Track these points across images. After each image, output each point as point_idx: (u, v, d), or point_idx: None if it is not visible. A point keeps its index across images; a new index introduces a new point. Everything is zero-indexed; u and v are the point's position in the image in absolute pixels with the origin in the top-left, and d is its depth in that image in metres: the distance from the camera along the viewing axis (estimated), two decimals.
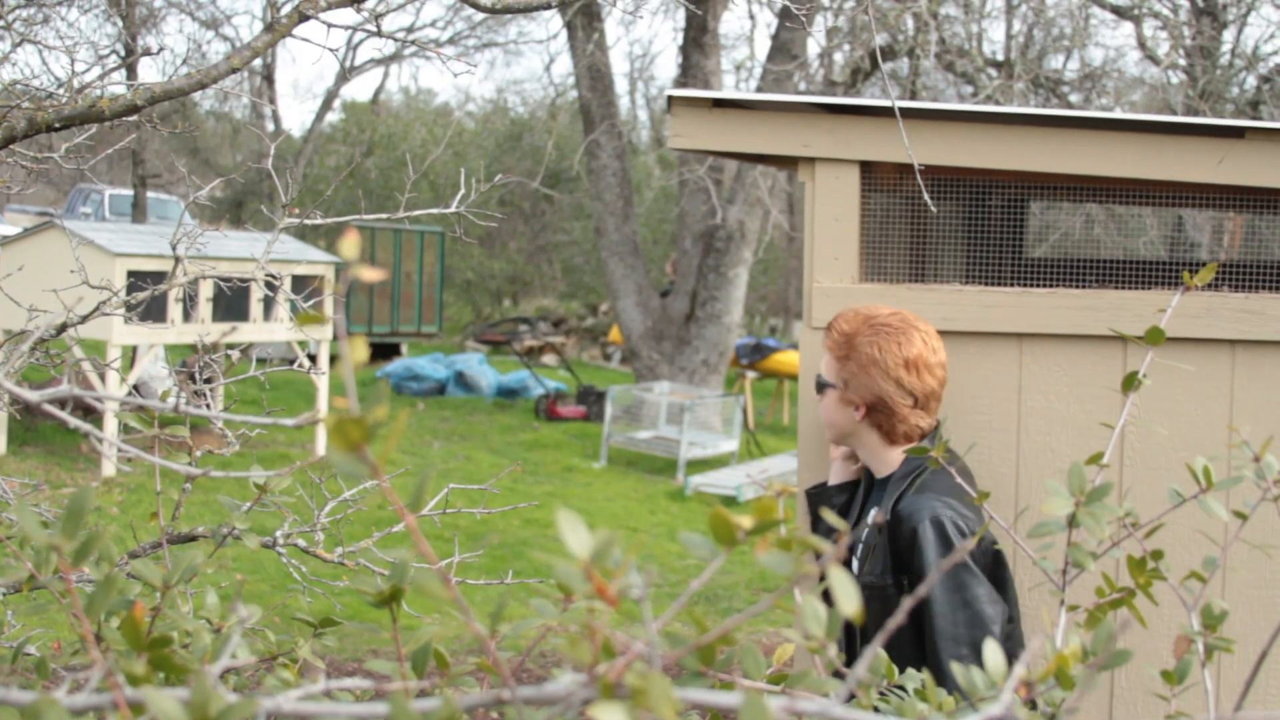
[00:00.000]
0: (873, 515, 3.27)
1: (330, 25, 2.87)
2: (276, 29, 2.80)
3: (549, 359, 25.32)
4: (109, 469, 12.34)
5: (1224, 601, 1.49)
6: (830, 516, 1.09)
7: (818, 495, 3.61)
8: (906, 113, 3.45)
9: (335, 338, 19.05)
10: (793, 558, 0.97)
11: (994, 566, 3.11)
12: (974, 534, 3.05)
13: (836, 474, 3.57)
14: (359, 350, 0.94)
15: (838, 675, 1.30)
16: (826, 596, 2.34)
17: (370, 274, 0.95)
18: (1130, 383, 1.83)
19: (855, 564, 3.28)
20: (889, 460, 3.33)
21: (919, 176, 3.22)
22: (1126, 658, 1.27)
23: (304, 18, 2.79)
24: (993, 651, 1.23)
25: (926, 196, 3.22)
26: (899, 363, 3.21)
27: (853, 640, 3.28)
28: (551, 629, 1.47)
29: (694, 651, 1.08)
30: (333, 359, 18.88)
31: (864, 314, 3.30)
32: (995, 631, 3.01)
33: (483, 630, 1.07)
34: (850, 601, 0.92)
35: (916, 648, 3.05)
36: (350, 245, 0.94)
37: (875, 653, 0.98)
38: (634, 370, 17.30)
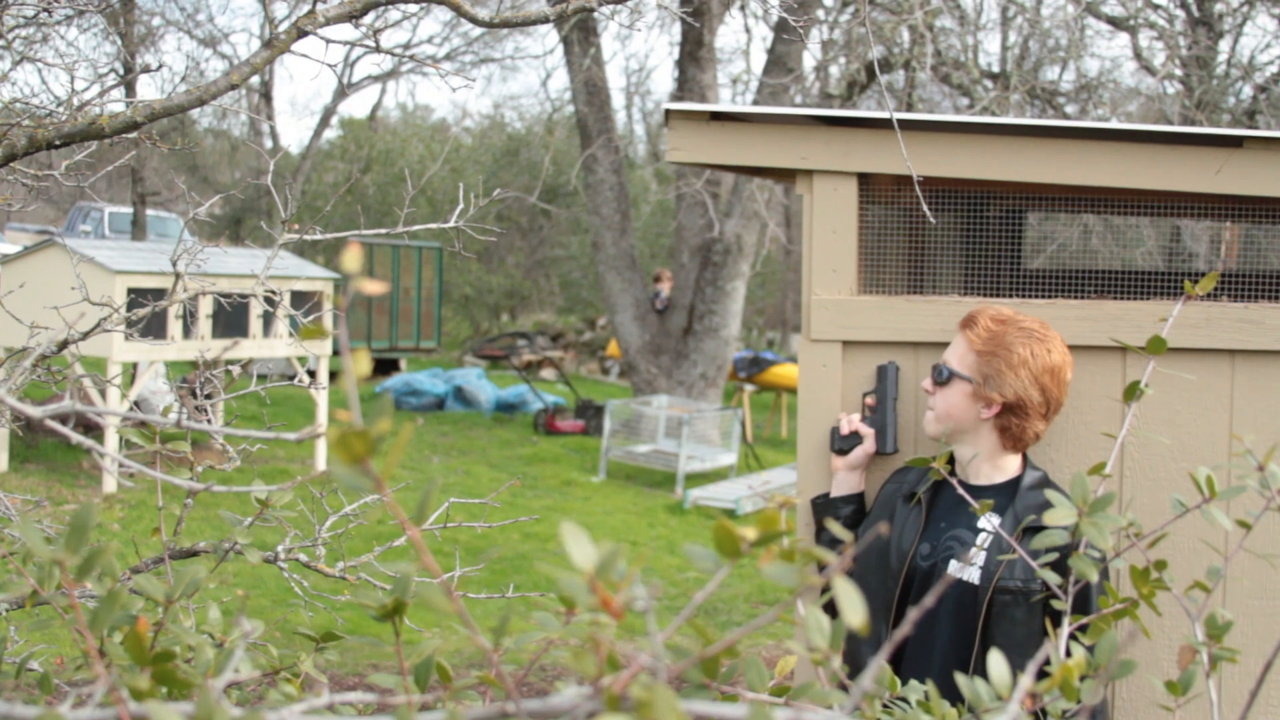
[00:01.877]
0: (991, 520, 3.23)
1: (329, 41, 2.87)
2: (275, 45, 2.81)
3: (547, 373, 25.32)
4: (110, 485, 12.33)
5: (1227, 611, 1.49)
6: (835, 528, 1.09)
7: (824, 506, 3.59)
8: (904, 124, 3.45)
9: (335, 353, 19.07)
10: (797, 569, 0.97)
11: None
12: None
13: (840, 485, 3.55)
14: (362, 364, 0.94)
15: (841, 688, 1.30)
16: (828, 608, 2.34)
17: (372, 287, 0.95)
18: (1132, 392, 1.83)
19: (977, 571, 3.21)
20: (1000, 465, 3.31)
21: (918, 188, 3.22)
22: (1131, 668, 1.26)
23: (303, 33, 2.79)
24: (997, 662, 1.23)
25: (926, 208, 3.22)
26: (1046, 368, 3.21)
27: (954, 652, 3.23)
28: (554, 642, 1.47)
29: (698, 664, 1.08)
30: (332, 374, 18.89)
31: (1008, 314, 3.29)
32: None
33: (487, 643, 1.07)
34: (856, 613, 0.92)
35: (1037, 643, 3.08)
36: (352, 259, 0.94)
37: (880, 664, 0.97)
38: (632, 384, 17.30)
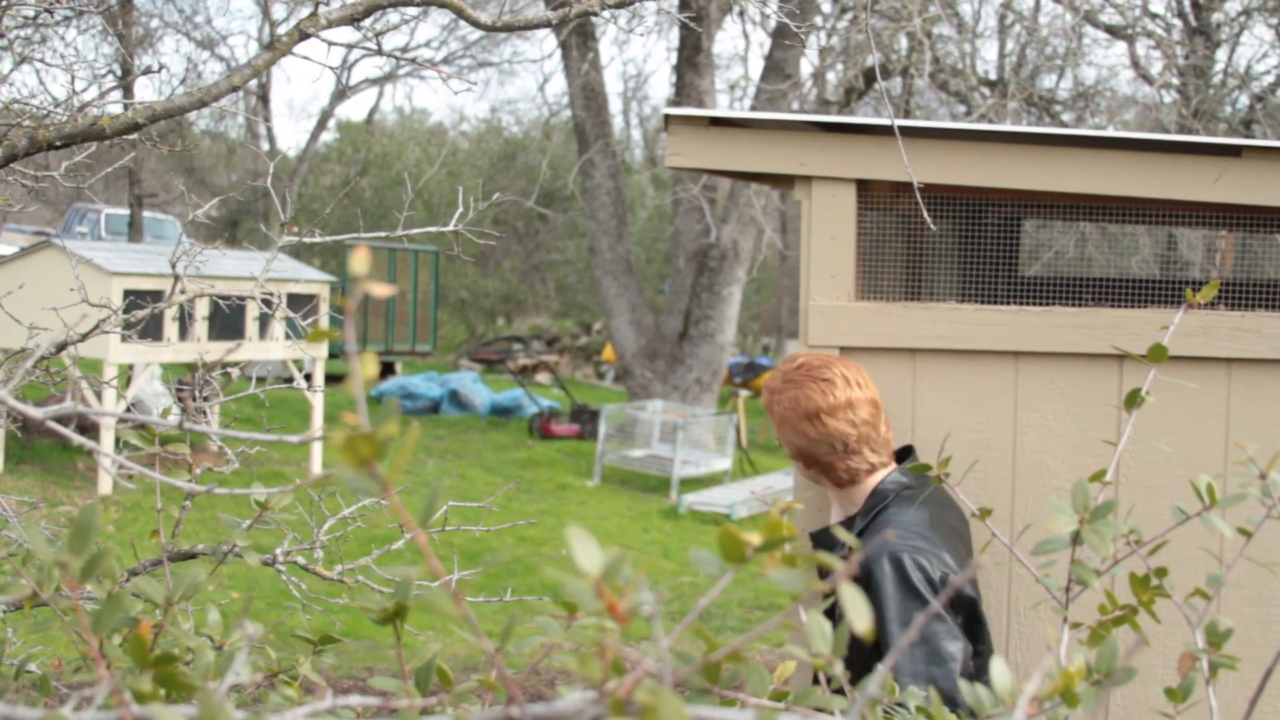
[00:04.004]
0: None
1: (331, 44, 2.87)
2: (277, 47, 2.81)
3: (543, 377, 25.32)
4: (105, 487, 12.32)
5: (1227, 619, 1.49)
6: (840, 533, 1.09)
7: (819, 538, 3.57)
8: (902, 131, 3.45)
9: (331, 356, 19.06)
10: (802, 574, 0.97)
11: (958, 600, 3.05)
12: (938, 566, 3.01)
13: (836, 513, 3.54)
14: (369, 365, 0.94)
15: (839, 693, 1.30)
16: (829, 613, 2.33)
17: (381, 290, 0.95)
18: (1133, 400, 1.83)
19: None
20: (855, 500, 3.29)
21: (918, 194, 3.22)
22: (1132, 675, 1.27)
23: (304, 36, 2.79)
24: (999, 669, 1.23)
25: (926, 214, 3.22)
26: (801, 417, 3.19)
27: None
28: (554, 647, 1.47)
29: (701, 669, 1.08)
30: (329, 377, 18.87)
31: (783, 369, 3.28)
32: (954, 668, 2.93)
33: (490, 647, 1.07)
34: (862, 619, 0.93)
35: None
36: (361, 261, 0.94)
37: (885, 673, 0.98)
38: (627, 389, 17.30)
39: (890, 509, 3.15)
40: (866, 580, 3.00)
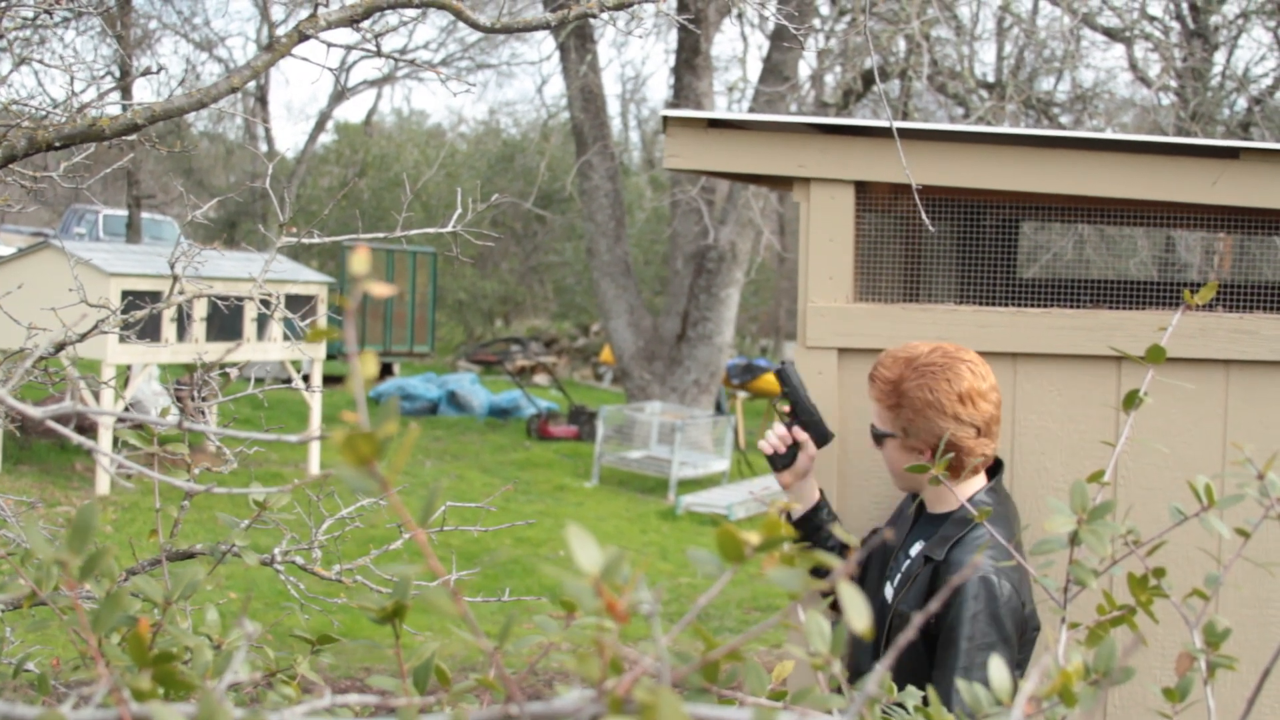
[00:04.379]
0: (919, 547, 3.21)
1: (330, 45, 2.88)
2: (276, 48, 2.81)
3: (541, 379, 25.33)
4: (104, 487, 12.32)
5: (1225, 619, 1.50)
6: (840, 532, 1.09)
7: (809, 529, 3.56)
8: (901, 133, 3.46)
9: (329, 357, 19.05)
10: (801, 574, 0.97)
11: (1026, 631, 3.05)
12: (1022, 596, 3.01)
13: (799, 498, 3.49)
14: (369, 365, 0.94)
15: (839, 692, 1.31)
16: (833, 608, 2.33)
17: (381, 290, 0.95)
18: (1131, 401, 1.84)
19: (890, 590, 3.22)
20: (946, 498, 3.24)
21: (916, 196, 3.23)
22: (1130, 675, 1.27)
23: (304, 37, 2.79)
24: (998, 669, 1.23)
25: (924, 216, 3.22)
26: (953, 399, 3.12)
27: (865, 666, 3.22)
28: (552, 646, 1.48)
29: (699, 668, 1.09)
30: (327, 379, 18.87)
31: (904, 357, 3.22)
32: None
33: (489, 645, 1.07)
34: (860, 617, 0.93)
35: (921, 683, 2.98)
36: (361, 261, 0.95)
37: (883, 671, 0.98)
38: (625, 390, 17.31)
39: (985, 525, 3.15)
40: (953, 594, 2.97)
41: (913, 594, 3.10)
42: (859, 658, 3.24)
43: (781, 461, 3.51)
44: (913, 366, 3.18)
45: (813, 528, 3.51)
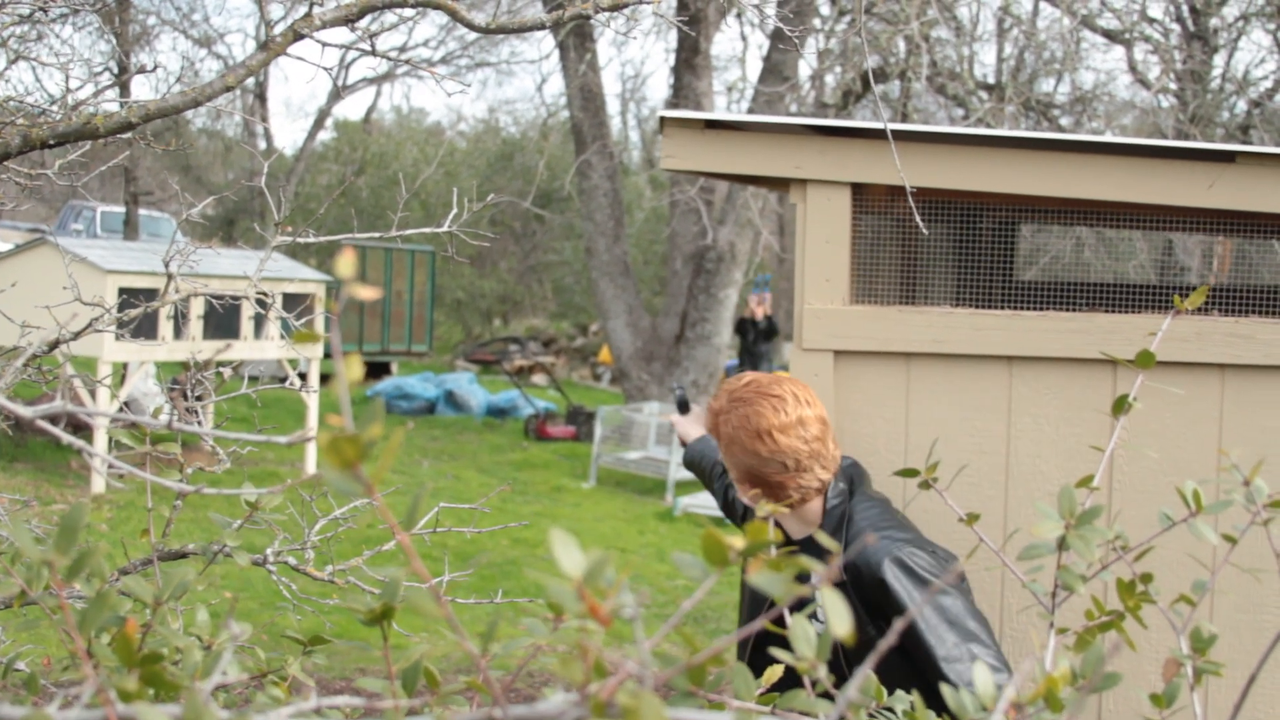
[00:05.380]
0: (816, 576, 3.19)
1: (325, 44, 2.87)
2: (272, 47, 2.81)
3: (539, 379, 25.33)
4: (98, 486, 12.32)
5: (1212, 625, 1.50)
6: (822, 538, 1.09)
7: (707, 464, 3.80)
8: (898, 135, 3.46)
9: (327, 356, 19.06)
10: (785, 579, 0.97)
11: (960, 577, 3.09)
12: (929, 550, 3.04)
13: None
14: (354, 368, 0.94)
15: (826, 697, 1.31)
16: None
17: (366, 292, 0.95)
18: (1121, 405, 1.84)
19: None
20: (806, 518, 3.23)
21: (911, 199, 3.23)
22: (1116, 680, 1.27)
23: (299, 36, 2.79)
24: (982, 673, 1.23)
25: (919, 218, 3.22)
26: (751, 435, 3.11)
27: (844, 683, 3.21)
28: (541, 649, 1.48)
29: (684, 672, 1.09)
30: (324, 378, 18.87)
31: (728, 388, 3.23)
32: (987, 639, 2.95)
33: (474, 649, 1.07)
34: (842, 622, 0.93)
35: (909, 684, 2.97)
36: (346, 263, 0.95)
37: (866, 675, 0.98)
38: (623, 391, 17.31)
39: (855, 516, 3.13)
40: (883, 591, 2.99)
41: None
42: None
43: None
44: (731, 397, 3.20)
45: (690, 462, 3.93)
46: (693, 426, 3.87)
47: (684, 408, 3.97)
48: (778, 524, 3.32)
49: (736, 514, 3.67)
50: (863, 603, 3.05)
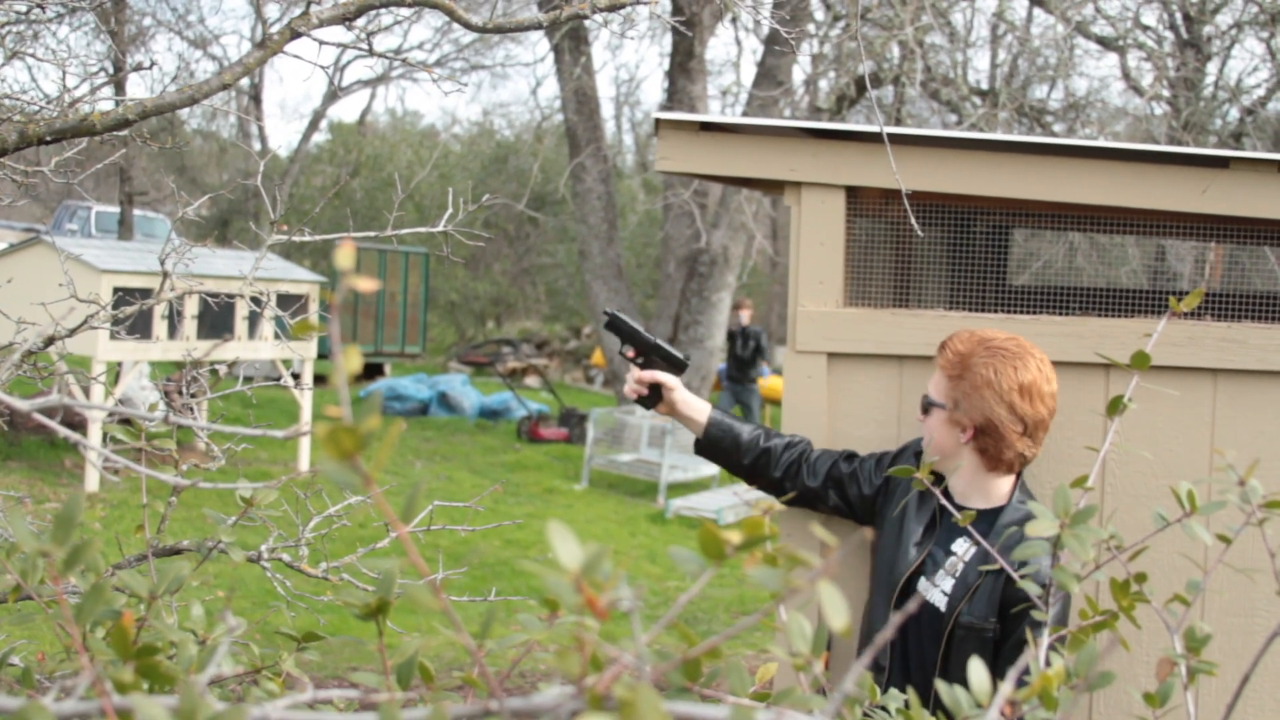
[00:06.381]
0: (963, 546, 3.23)
1: (322, 43, 2.88)
2: (269, 45, 2.81)
3: (532, 381, 25.32)
4: (92, 484, 12.31)
5: (1206, 625, 1.50)
6: (819, 531, 1.10)
7: (724, 437, 3.58)
8: (892, 139, 3.46)
9: (320, 356, 19.04)
10: (781, 573, 0.97)
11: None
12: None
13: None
14: (353, 360, 0.95)
15: (822, 693, 1.31)
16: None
17: (365, 285, 0.96)
18: (1115, 407, 1.84)
19: (939, 595, 3.21)
20: (987, 490, 3.26)
21: (906, 201, 3.23)
22: (1110, 679, 1.27)
23: (296, 35, 2.79)
24: (977, 670, 1.24)
25: (914, 221, 3.23)
26: (1013, 386, 3.15)
27: (925, 672, 3.21)
28: (535, 647, 1.48)
29: (680, 666, 1.09)
30: (317, 378, 18.86)
31: (979, 335, 3.25)
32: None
33: (471, 641, 1.08)
34: (839, 617, 0.93)
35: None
36: (346, 256, 0.95)
37: (862, 670, 0.98)
38: (616, 393, 17.31)
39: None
40: (1023, 597, 3.04)
41: (978, 606, 3.10)
42: (907, 662, 3.26)
43: (649, 402, 3.59)
44: (986, 345, 3.22)
45: (714, 440, 3.57)
46: (694, 397, 3.65)
47: (679, 367, 3.61)
48: (945, 488, 3.34)
49: (817, 476, 3.48)
50: (1005, 600, 3.11)
